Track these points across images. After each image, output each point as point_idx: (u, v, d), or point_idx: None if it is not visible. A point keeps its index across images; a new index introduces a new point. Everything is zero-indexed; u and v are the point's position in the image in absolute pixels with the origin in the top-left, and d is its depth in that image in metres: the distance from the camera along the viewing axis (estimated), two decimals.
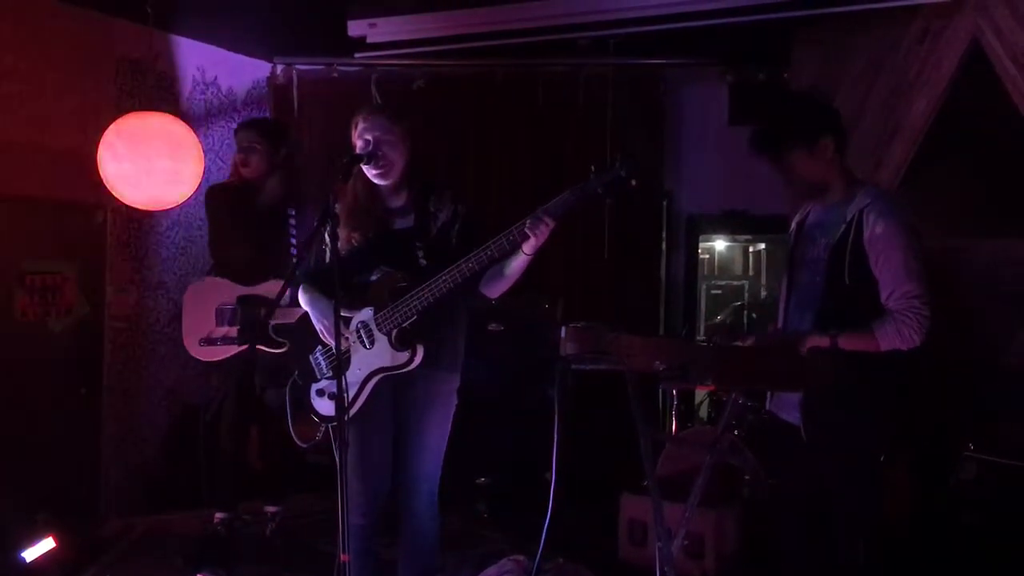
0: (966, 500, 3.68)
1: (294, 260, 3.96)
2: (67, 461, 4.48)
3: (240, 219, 4.05)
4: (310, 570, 3.90)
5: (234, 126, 5.44)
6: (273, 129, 4.27)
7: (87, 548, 4.00)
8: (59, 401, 4.48)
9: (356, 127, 2.91)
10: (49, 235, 4.50)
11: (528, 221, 2.69)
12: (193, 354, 4.05)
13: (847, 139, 2.81)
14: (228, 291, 4.01)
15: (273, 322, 3.88)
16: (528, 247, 2.74)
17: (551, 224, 2.70)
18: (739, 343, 2.85)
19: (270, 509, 4.21)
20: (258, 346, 3.89)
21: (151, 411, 5.03)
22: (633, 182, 2.64)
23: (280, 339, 3.84)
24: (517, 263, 2.81)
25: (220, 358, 4.01)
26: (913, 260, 2.61)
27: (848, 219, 2.68)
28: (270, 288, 3.97)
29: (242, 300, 3.99)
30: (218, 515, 4.09)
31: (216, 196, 4.20)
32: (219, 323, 4.00)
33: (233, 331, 3.97)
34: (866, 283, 2.64)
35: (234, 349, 3.97)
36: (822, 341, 2.60)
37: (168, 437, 5.08)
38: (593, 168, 2.68)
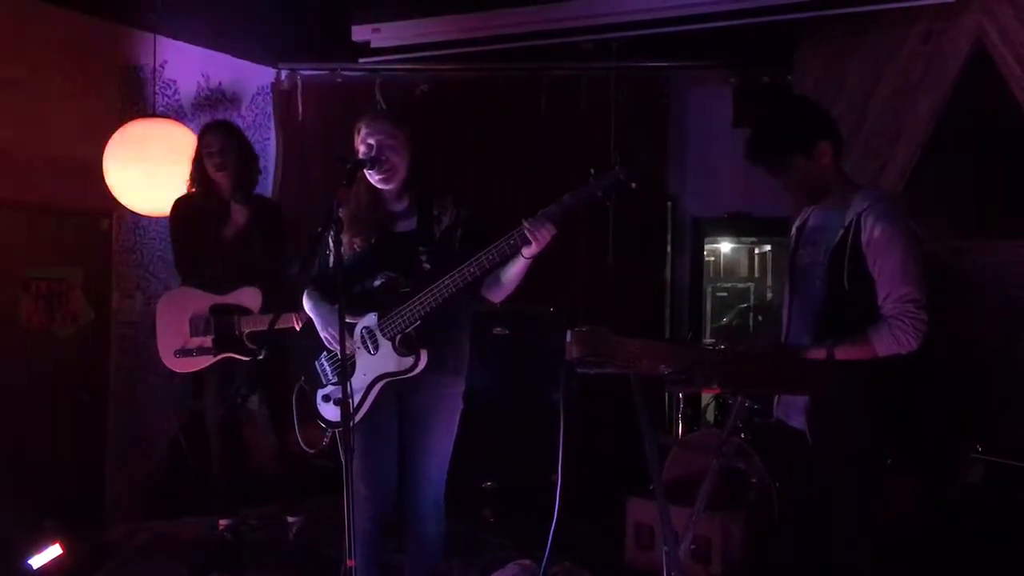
0: (973, 502, 3.66)
1: (293, 268, 3.94)
2: (73, 468, 4.49)
3: (204, 243, 3.96)
4: (317, 574, 3.90)
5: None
6: (242, 133, 4.17)
7: (93, 554, 4.01)
8: (64, 407, 4.49)
9: (359, 132, 2.91)
10: (54, 242, 4.51)
11: (528, 224, 2.69)
12: (168, 366, 3.99)
13: (843, 143, 2.81)
14: (201, 300, 3.96)
15: (248, 329, 3.88)
16: (528, 251, 2.74)
17: (552, 230, 2.69)
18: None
19: (292, 519, 4.20)
20: (232, 355, 3.88)
21: (156, 417, 5.03)
22: (633, 185, 2.64)
23: (253, 346, 3.84)
24: (516, 268, 2.81)
25: (196, 369, 3.96)
26: (911, 263, 2.59)
27: (846, 223, 2.67)
28: (243, 296, 3.94)
29: (215, 309, 3.94)
30: (222, 522, 4.09)
31: (180, 213, 4.07)
32: (193, 333, 3.95)
33: (208, 341, 3.92)
34: (865, 287, 2.63)
35: (210, 359, 3.92)
36: (819, 354, 2.58)
37: (173, 443, 5.07)
38: (592, 171, 2.68)
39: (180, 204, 4.09)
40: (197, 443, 4.66)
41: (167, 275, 5.09)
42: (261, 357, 3.74)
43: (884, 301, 2.60)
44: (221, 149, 3.98)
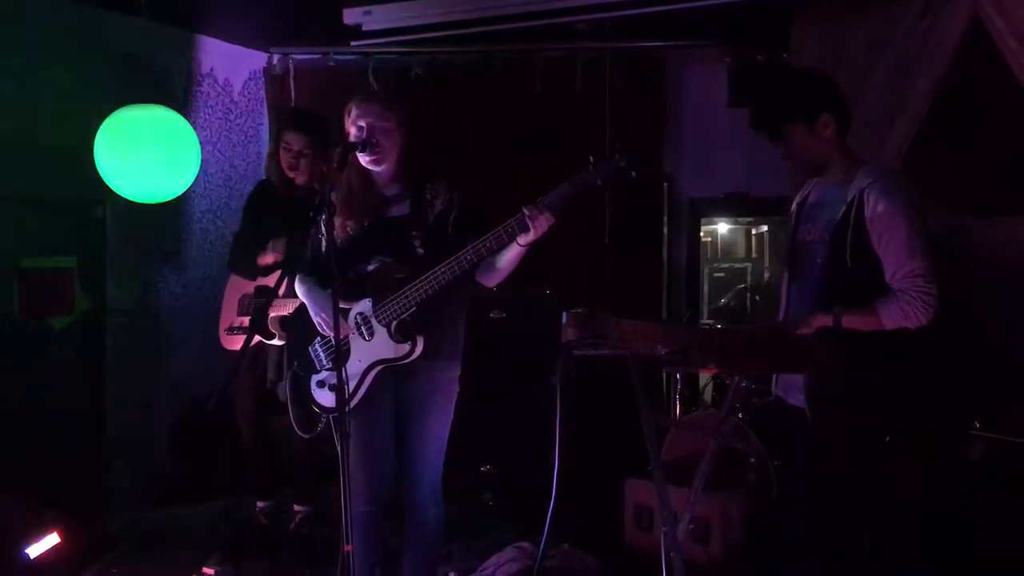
0: (975, 481, 3.66)
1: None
2: (72, 457, 4.47)
3: (264, 230, 3.95)
4: (318, 563, 3.90)
5: (231, 117, 5.48)
6: (324, 133, 4.02)
7: (93, 543, 4.00)
8: (63, 397, 4.47)
9: (350, 115, 2.88)
10: (48, 231, 4.49)
11: (527, 211, 2.67)
12: (222, 343, 4.07)
13: (849, 117, 2.79)
14: (250, 281, 4.04)
15: (274, 314, 3.87)
16: (524, 239, 2.72)
17: (551, 219, 2.67)
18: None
19: (298, 508, 4.20)
20: (258, 337, 3.87)
21: (156, 405, 5.03)
22: (633, 173, 2.63)
23: (276, 331, 3.82)
24: (511, 255, 2.79)
25: (237, 348, 4.00)
26: (916, 238, 2.58)
27: (849, 199, 2.66)
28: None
29: (258, 290, 4.00)
30: (260, 503, 4.15)
31: (251, 197, 4.16)
32: (239, 312, 4.03)
33: (247, 321, 3.97)
34: (868, 264, 2.62)
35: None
36: (826, 320, 2.59)
37: (174, 431, 5.07)
38: (592, 159, 2.67)
39: (255, 189, 4.20)
40: (198, 431, 4.66)
41: (161, 262, 5.08)
42: (279, 343, 3.75)
43: (892, 278, 2.59)
44: (298, 152, 3.93)
